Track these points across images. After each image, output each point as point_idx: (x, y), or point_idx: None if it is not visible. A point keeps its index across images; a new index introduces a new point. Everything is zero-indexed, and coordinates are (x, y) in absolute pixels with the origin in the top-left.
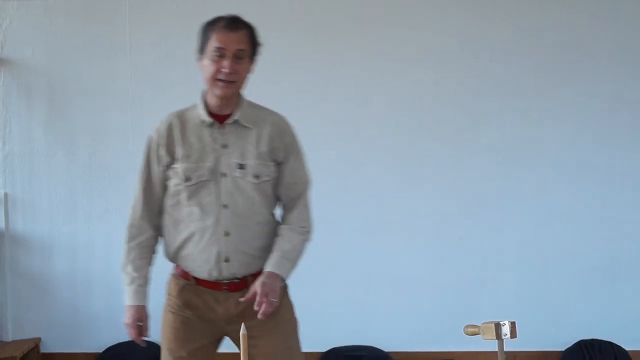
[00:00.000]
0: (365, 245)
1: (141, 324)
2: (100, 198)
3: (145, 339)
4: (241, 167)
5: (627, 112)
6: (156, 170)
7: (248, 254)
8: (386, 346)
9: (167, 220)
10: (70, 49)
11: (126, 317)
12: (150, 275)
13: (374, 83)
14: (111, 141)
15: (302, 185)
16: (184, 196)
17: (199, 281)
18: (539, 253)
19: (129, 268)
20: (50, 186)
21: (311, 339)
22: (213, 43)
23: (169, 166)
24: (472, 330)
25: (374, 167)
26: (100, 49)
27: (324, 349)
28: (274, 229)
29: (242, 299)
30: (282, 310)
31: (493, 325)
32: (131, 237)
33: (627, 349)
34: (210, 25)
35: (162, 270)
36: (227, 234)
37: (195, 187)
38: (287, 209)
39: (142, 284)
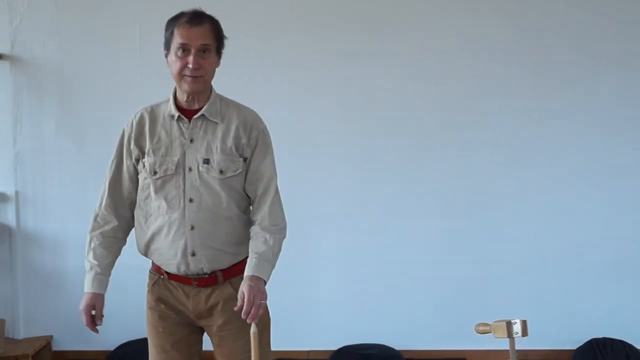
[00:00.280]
0: (376, 243)
1: (94, 312)
2: None
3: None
4: (206, 162)
5: (632, 109)
6: (127, 164)
7: (215, 249)
8: (397, 344)
9: (139, 214)
10: (80, 47)
11: (81, 304)
12: (112, 266)
13: (376, 84)
14: None
15: (267, 182)
16: (152, 190)
17: (170, 275)
18: (550, 251)
19: (90, 256)
20: (61, 183)
21: (322, 337)
22: (177, 39)
23: (138, 160)
24: (484, 329)
25: (383, 166)
26: (111, 46)
27: (335, 347)
28: (244, 225)
29: (236, 309)
30: None
31: (504, 323)
32: (95, 227)
33: (639, 347)
34: (173, 21)
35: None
36: (192, 228)
37: (161, 180)
38: (256, 207)
39: (101, 272)
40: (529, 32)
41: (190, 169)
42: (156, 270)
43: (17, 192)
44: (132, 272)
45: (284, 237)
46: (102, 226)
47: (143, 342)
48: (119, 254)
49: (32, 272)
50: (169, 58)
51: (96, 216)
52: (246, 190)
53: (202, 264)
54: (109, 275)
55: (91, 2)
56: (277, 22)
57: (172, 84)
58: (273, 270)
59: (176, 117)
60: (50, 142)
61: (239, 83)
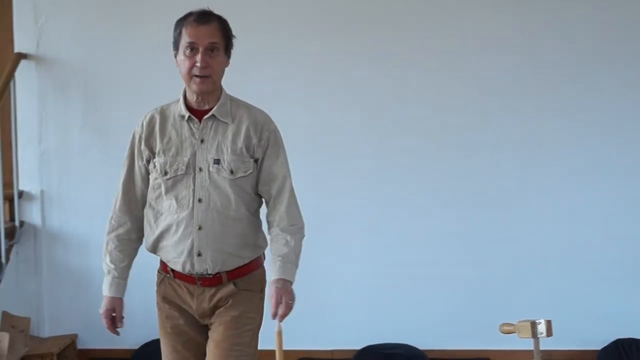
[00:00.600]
0: (400, 243)
1: (114, 315)
2: None
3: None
4: (217, 162)
5: None
6: (139, 165)
7: (222, 250)
8: (421, 344)
9: (149, 213)
10: (105, 46)
11: (101, 308)
12: (129, 268)
13: (397, 84)
14: None
15: (281, 182)
16: (163, 190)
17: (175, 274)
18: (575, 250)
19: (107, 259)
20: (86, 183)
21: (346, 337)
22: (185, 38)
23: (149, 160)
24: (508, 329)
25: (405, 166)
26: (136, 46)
27: (358, 346)
28: (254, 228)
29: (273, 318)
30: (251, 306)
31: (529, 323)
32: (110, 229)
33: None
34: (182, 21)
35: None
36: (200, 228)
37: (172, 181)
38: (272, 208)
39: (118, 276)
40: (534, 29)
41: (200, 169)
42: (163, 269)
43: (42, 192)
44: (155, 270)
45: (304, 236)
46: (117, 228)
47: None
48: (135, 255)
49: (57, 271)
50: (177, 58)
51: (111, 218)
52: (260, 191)
53: (207, 265)
54: (127, 278)
55: (116, 2)
56: (299, 22)
57: None
58: (297, 270)
59: (186, 117)
60: (75, 142)
61: (259, 83)
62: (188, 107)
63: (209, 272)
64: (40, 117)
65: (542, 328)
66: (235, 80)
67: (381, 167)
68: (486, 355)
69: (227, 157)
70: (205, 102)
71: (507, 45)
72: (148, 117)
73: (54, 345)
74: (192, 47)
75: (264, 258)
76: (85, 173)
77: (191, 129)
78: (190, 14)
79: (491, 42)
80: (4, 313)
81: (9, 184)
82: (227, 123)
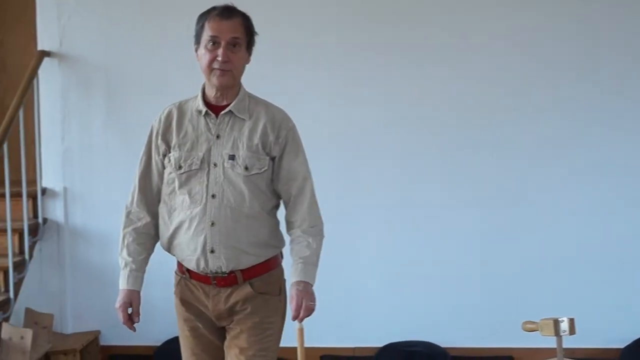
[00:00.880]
0: (422, 240)
1: (131, 309)
2: None
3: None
4: (232, 157)
5: None
6: (155, 159)
7: (234, 247)
8: (443, 341)
9: (163, 209)
10: (128, 44)
11: (117, 302)
12: (147, 262)
13: (420, 82)
14: None
15: (301, 182)
16: (176, 184)
17: (192, 274)
18: (597, 248)
19: (124, 252)
20: (109, 180)
21: (368, 334)
22: (207, 32)
23: (165, 155)
24: (531, 327)
25: (426, 163)
26: (158, 43)
27: (380, 344)
28: (270, 227)
29: (294, 320)
30: (270, 311)
31: (552, 321)
32: (127, 224)
33: None
34: (205, 15)
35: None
36: (213, 224)
37: (186, 175)
38: (291, 208)
39: (136, 269)
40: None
41: (215, 165)
42: (179, 270)
43: (65, 189)
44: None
45: (324, 237)
46: (135, 222)
47: None
48: (153, 250)
49: (80, 268)
50: (198, 52)
51: (128, 213)
52: (279, 190)
53: (220, 262)
54: (144, 271)
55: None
56: (323, 20)
57: None
58: (317, 271)
59: (204, 112)
60: (98, 139)
61: (282, 81)
62: (206, 102)
63: (223, 269)
64: (63, 115)
65: (564, 326)
66: (259, 78)
67: (403, 165)
68: (509, 353)
69: (242, 153)
70: (224, 98)
71: (549, 46)
72: (166, 111)
73: (77, 341)
74: (214, 41)
75: (282, 258)
76: (107, 170)
77: (208, 124)
78: (213, 9)
79: (519, 41)
80: (28, 309)
81: (32, 181)
82: (244, 119)
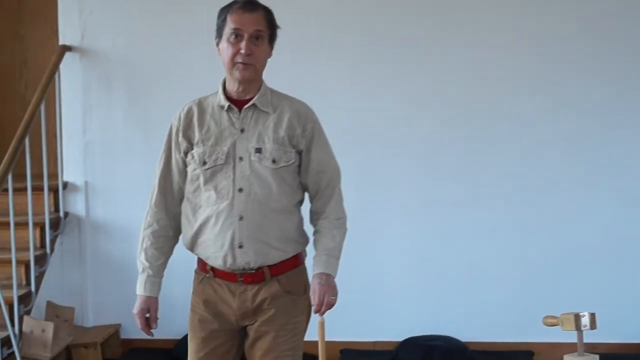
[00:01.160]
0: (443, 235)
1: (148, 315)
2: None
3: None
4: (258, 150)
5: None
6: (176, 158)
7: (263, 242)
8: (463, 336)
9: (187, 208)
10: (149, 38)
11: (135, 307)
12: (164, 267)
13: (444, 79)
14: None
15: (331, 174)
16: (201, 181)
17: (216, 272)
18: (619, 244)
19: (142, 257)
20: (129, 174)
21: (388, 328)
22: (229, 25)
23: (187, 152)
24: (551, 322)
25: (451, 158)
26: (179, 37)
27: (400, 338)
28: (294, 221)
29: (314, 310)
30: (296, 311)
31: (572, 316)
32: (146, 225)
33: None
34: (227, 8)
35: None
36: (241, 218)
37: (211, 171)
38: (318, 200)
39: (153, 274)
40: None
41: (241, 159)
42: (202, 268)
43: (86, 183)
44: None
45: (347, 230)
46: (152, 224)
47: None
48: (171, 253)
49: (101, 262)
50: (220, 46)
51: (147, 214)
52: (308, 182)
53: (249, 257)
54: (162, 277)
55: None
56: (349, 15)
57: None
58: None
59: (226, 107)
60: (119, 133)
61: (303, 75)
62: (227, 97)
63: (251, 265)
64: (84, 109)
65: (585, 321)
66: (279, 72)
67: (424, 160)
68: (529, 347)
69: (268, 146)
70: (246, 92)
71: (570, 45)
72: (185, 109)
73: (98, 334)
74: (237, 34)
75: (305, 255)
76: (128, 164)
77: (231, 119)
78: (235, 2)
79: (543, 40)
80: (49, 303)
81: (53, 175)
82: (268, 113)
